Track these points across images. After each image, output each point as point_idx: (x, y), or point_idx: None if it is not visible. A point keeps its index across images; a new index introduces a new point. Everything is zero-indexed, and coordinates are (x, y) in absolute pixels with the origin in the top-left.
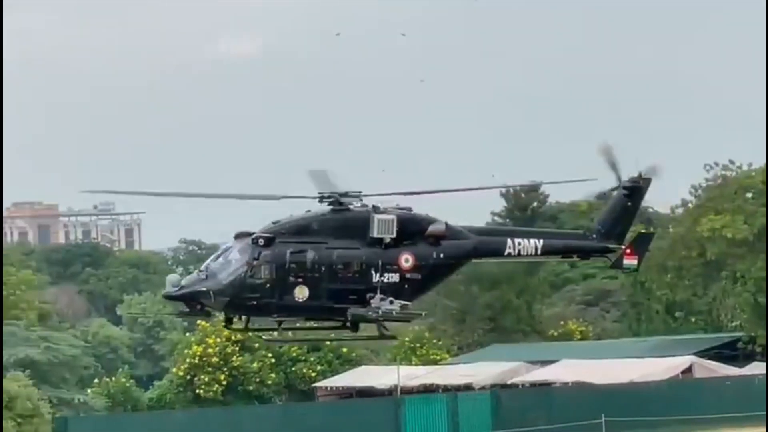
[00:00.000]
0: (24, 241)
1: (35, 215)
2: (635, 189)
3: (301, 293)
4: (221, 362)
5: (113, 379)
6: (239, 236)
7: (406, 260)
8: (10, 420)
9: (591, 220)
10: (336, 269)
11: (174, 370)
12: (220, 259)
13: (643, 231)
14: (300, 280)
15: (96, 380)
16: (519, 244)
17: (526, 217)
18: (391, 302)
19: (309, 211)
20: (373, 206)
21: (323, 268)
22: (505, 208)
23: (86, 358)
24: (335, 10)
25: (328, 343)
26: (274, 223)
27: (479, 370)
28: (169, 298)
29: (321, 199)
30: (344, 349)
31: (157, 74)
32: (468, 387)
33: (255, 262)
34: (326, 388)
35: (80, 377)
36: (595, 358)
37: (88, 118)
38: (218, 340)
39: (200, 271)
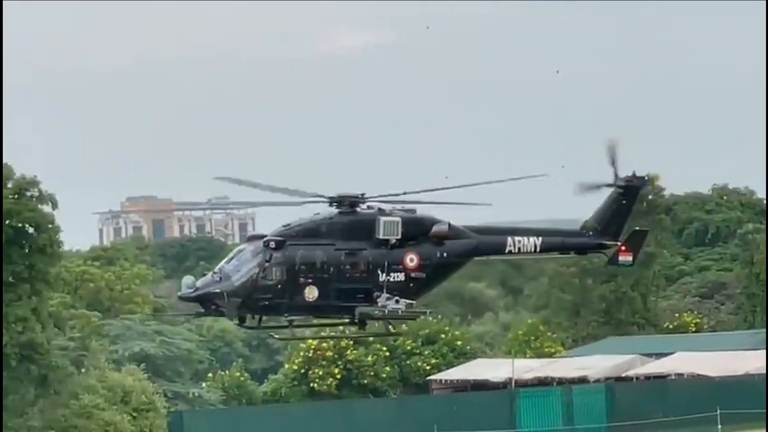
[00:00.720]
0: (138, 236)
1: (150, 210)
2: (631, 188)
3: (311, 293)
4: (336, 356)
5: (228, 372)
6: (252, 238)
7: (411, 260)
8: (126, 414)
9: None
10: (344, 269)
11: (288, 363)
12: (233, 261)
13: (637, 228)
14: (310, 280)
15: (210, 374)
16: (519, 242)
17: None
18: (397, 301)
19: (317, 213)
20: (379, 209)
21: (332, 269)
22: None
23: (201, 351)
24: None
25: (443, 336)
26: (284, 226)
27: (594, 363)
28: (185, 299)
29: (330, 202)
30: (459, 342)
31: (263, 71)
32: (582, 380)
33: (267, 264)
34: (441, 381)
35: (195, 371)
36: (710, 351)
37: (200, 114)
38: (331, 333)
39: (214, 273)
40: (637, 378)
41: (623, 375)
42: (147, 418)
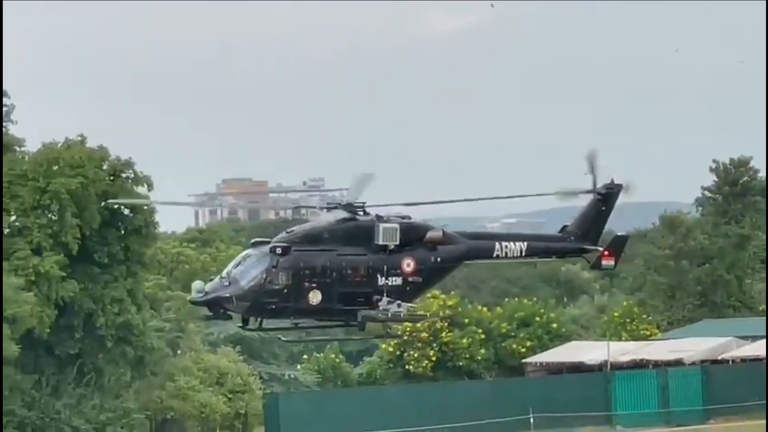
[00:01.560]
0: (234, 218)
1: (245, 192)
2: (608, 195)
3: (315, 297)
4: (431, 338)
5: (323, 355)
6: (256, 244)
7: (408, 264)
8: (221, 395)
9: None
10: (345, 274)
11: (384, 346)
12: (240, 267)
13: (619, 234)
14: (314, 284)
15: (305, 356)
16: (506, 246)
17: (736, 192)
18: (399, 305)
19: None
20: (377, 215)
21: (334, 274)
22: (714, 183)
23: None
24: None
25: (538, 318)
26: (288, 232)
27: (689, 346)
28: (195, 303)
29: (329, 209)
30: (554, 325)
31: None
32: (678, 362)
33: (273, 270)
34: (536, 363)
35: (290, 353)
36: None
37: (297, 98)
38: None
39: (222, 277)
40: (732, 361)
41: (719, 358)
42: (242, 400)
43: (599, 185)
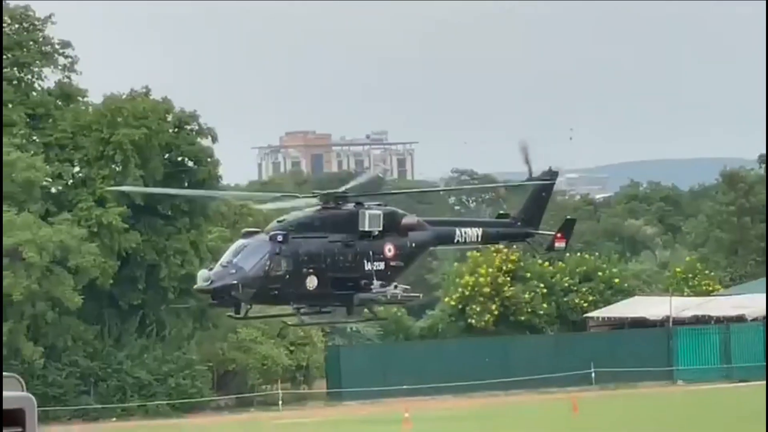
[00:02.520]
0: (297, 171)
1: (308, 144)
2: (547, 181)
3: (312, 282)
4: (493, 292)
5: (384, 308)
6: (247, 234)
7: (389, 249)
8: (283, 348)
9: None
10: (338, 260)
11: (446, 299)
12: (242, 254)
13: (568, 218)
14: (311, 270)
15: (367, 309)
16: (465, 232)
17: None
18: (396, 287)
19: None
20: (357, 203)
21: (329, 260)
22: None
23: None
24: None
25: (600, 273)
26: (279, 221)
27: (751, 302)
28: (203, 291)
29: (314, 196)
30: (616, 280)
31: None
32: (740, 318)
33: (276, 256)
34: (598, 318)
35: None
36: None
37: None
38: (490, 270)
39: (224, 266)
40: None
41: None
42: (304, 352)
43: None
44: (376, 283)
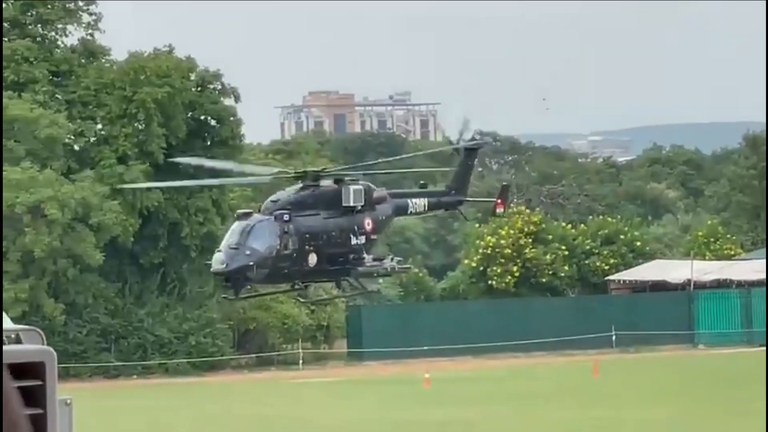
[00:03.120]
0: (320, 130)
1: (331, 104)
2: (472, 150)
3: (313, 259)
4: (514, 254)
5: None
6: (241, 216)
7: (368, 223)
8: (304, 307)
9: None
10: (332, 236)
11: (467, 261)
12: (252, 235)
13: (504, 183)
14: (312, 248)
15: None
16: (415, 203)
17: None
18: (392, 259)
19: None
20: (336, 179)
21: (325, 236)
22: None
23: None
24: None
25: (621, 236)
26: (273, 201)
27: None
28: (220, 274)
29: (297, 177)
30: (638, 243)
31: None
32: (762, 283)
33: (285, 236)
34: (619, 281)
35: None
36: None
37: (390, 11)
38: (511, 231)
39: (233, 248)
40: None
41: None
42: (325, 312)
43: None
44: (367, 257)
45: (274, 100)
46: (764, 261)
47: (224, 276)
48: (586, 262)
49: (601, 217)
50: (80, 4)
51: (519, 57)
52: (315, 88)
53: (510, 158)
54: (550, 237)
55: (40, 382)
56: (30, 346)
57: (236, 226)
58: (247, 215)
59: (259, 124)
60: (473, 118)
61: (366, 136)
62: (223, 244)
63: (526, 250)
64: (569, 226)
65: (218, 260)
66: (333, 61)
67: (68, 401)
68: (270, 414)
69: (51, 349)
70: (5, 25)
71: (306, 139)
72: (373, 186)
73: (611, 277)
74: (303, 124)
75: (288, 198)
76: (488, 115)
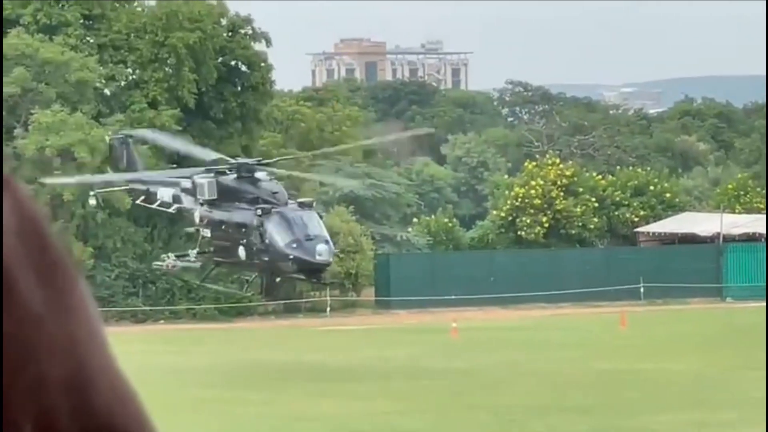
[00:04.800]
0: (351, 78)
1: (363, 52)
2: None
3: None
4: (544, 205)
5: (435, 217)
6: (304, 204)
7: None
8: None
9: None
10: None
11: (496, 211)
12: (312, 226)
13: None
14: None
15: (415, 219)
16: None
17: None
18: None
19: None
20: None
21: None
22: None
23: (409, 195)
24: None
25: (651, 188)
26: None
27: None
28: (325, 265)
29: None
30: (667, 195)
31: None
32: None
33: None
34: (648, 233)
35: (403, 215)
36: None
37: None
38: (541, 182)
39: (310, 238)
40: None
41: None
42: (353, 260)
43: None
44: None
45: (306, 47)
46: None
47: (323, 267)
48: (616, 213)
49: (631, 168)
50: None
51: (552, 7)
52: (346, 35)
53: (540, 108)
54: (581, 189)
55: None
56: None
57: (308, 214)
58: (305, 204)
59: (291, 71)
60: (504, 68)
61: (397, 84)
62: (314, 234)
63: (557, 202)
64: (599, 177)
65: (325, 252)
66: (365, 8)
67: None
68: (286, 359)
69: None
70: None
71: (337, 86)
72: None
73: (640, 229)
74: (334, 72)
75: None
76: (520, 64)
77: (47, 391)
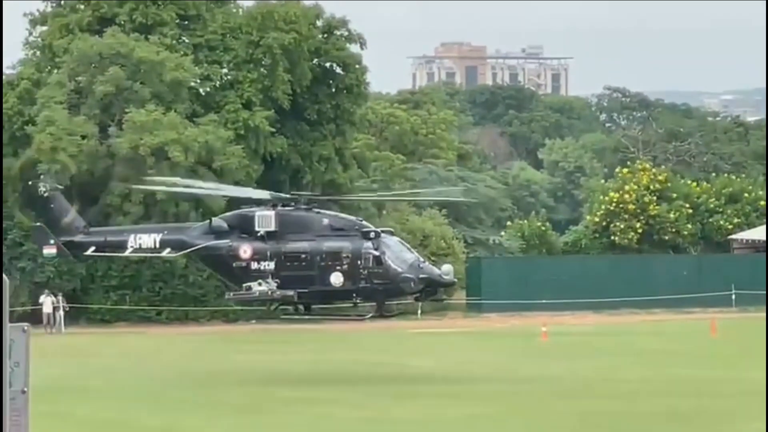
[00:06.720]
0: (450, 82)
1: (463, 56)
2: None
3: None
4: (638, 210)
5: (528, 221)
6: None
7: None
8: (425, 257)
9: None
10: None
11: (590, 216)
12: (405, 252)
13: None
14: None
15: (509, 222)
16: None
17: None
18: None
19: None
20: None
21: None
22: None
23: (504, 199)
24: None
25: (746, 195)
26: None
27: None
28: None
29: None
30: (762, 203)
31: None
32: None
33: None
34: (742, 240)
35: (496, 219)
36: None
37: None
38: (636, 188)
39: (422, 264)
40: None
41: None
42: (445, 263)
43: None
44: None
45: (407, 50)
46: None
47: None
48: (710, 220)
49: (726, 175)
50: None
51: (658, 16)
52: (447, 39)
53: (638, 114)
54: (675, 195)
55: None
56: None
57: (397, 240)
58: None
59: (390, 74)
60: (604, 74)
61: (495, 88)
62: (414, 256)
63: (650, 207)
64: (694, 184)
65: (445, 272)
66: (466, 12)
67: (25, 328)
68: (367, 360)
69: (4, 276)
70: None
71: (434, 89)
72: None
73: (734, 236)
74: (434, 75)
75: None
76: (620, 70)
77: None
